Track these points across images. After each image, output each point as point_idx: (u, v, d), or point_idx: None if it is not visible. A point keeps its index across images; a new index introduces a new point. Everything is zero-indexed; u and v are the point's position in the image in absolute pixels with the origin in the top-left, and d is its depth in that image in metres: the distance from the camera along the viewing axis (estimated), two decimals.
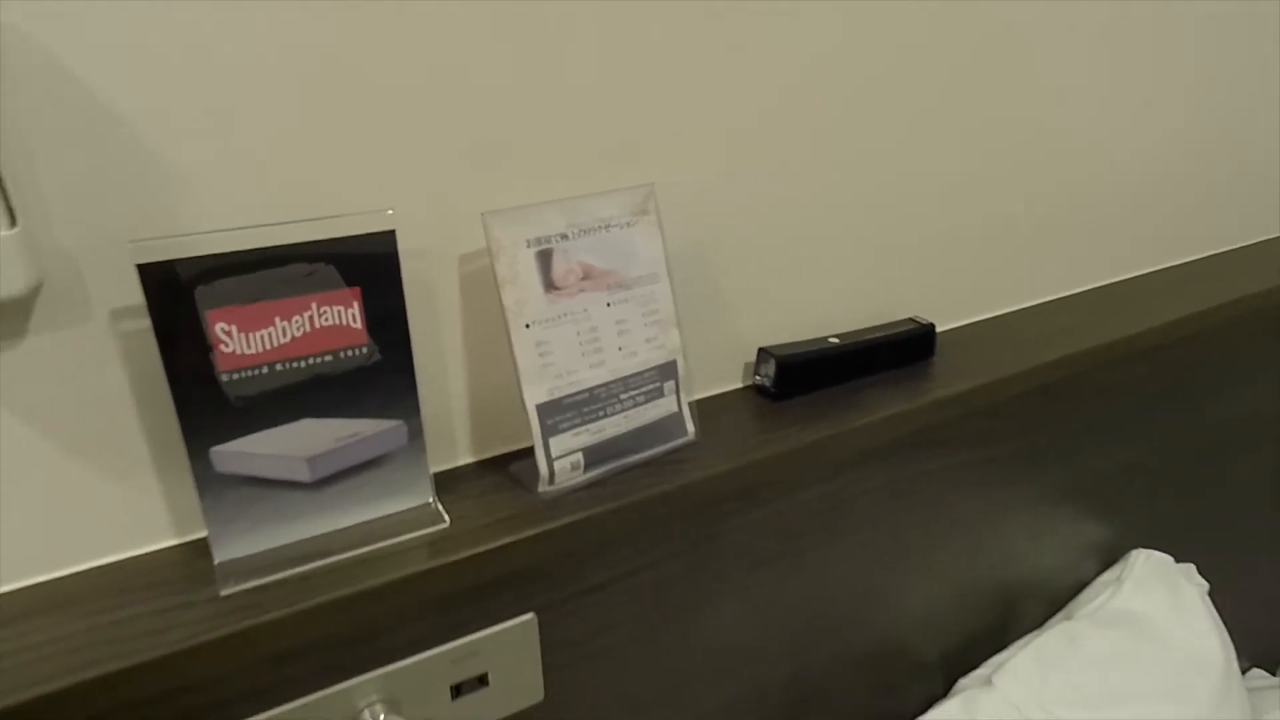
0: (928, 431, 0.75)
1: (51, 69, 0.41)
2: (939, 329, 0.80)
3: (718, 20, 0.59)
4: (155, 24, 0.43)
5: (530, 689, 0.61)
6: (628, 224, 0.58)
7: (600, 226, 0.57)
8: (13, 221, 0.40)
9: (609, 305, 0.58)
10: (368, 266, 0.49)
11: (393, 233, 0.49)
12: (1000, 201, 0.83)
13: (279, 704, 0.50)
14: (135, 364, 0.47)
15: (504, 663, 0.58)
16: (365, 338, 0.50)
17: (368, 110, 0.49)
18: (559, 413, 0.57)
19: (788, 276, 0.72)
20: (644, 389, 0.61)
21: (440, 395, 0.58)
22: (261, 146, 0.47)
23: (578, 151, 0.58)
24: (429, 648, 0.55)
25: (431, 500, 0.56)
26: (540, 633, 0.59)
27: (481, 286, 0.56)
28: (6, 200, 0.40)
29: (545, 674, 0.61)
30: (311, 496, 0.52)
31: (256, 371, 0.47)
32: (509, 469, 0.60)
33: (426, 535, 0.54)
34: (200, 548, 0.51)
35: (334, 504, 0.52)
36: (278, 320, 0.47)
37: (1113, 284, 0.97)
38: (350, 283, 0.49)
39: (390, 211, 0.49)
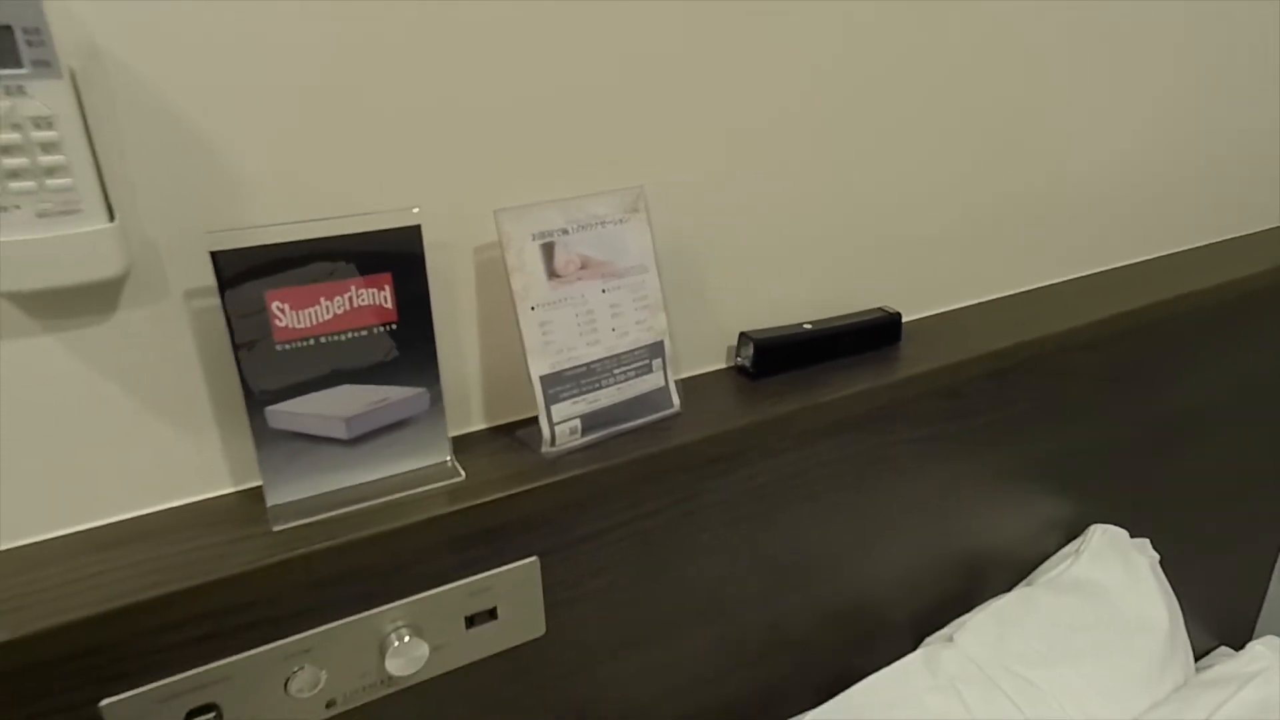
0: (893, 407, 0.83)
1: (148, 98, 0.50)
2: (906, 319, 0.87)
3: (697, 35, 0.67)
4: (230, 65, 0.52)
5: (533, 623, 0.70)
6: (620, 221, 0.67)
7: (596, 223, 0.66)
8: (111, 216, 0.49)
9: (604, 291, 0.67)
10: (398, 256, 0.58)
11: (419, 227, 0.58)
12: (966, 204, 0.90)
13: (323, 623, 0.59)
14: (203, 336, 0.56)
15: (511, 599, 0.67)
16: (395, 316, 0.59)
17: (397, 127, 0.58)
18: (560, 384, 0.65)
19: (767, 269, 0.79)
20: (635, 365, 0.69)
21: (457, 367, 0.66)
22: (311, 158, 0.56)
23: (576, 158, 0.66)
24: (446, 582, 0.63)
25: (449, 458, 0.64)
26: (542, 574, 0.68)
27: (493, 274, 0.64)
28: (107, 199, 0.49)
29: (546, 611, 0.70)
30: (348, 452, 0.60)
31: (305, 343, 0.56)
32: (516, 434, 0.69)
33: (445, 486, 0.62)
34: (252, 495, 0.60)
35: (367, 459, 0.61)
36: (323, 300, 0.56)
37: (1064, 281, 1.04)
38: (383, 269, 0.57)
39: (416, 210, 0.58)
